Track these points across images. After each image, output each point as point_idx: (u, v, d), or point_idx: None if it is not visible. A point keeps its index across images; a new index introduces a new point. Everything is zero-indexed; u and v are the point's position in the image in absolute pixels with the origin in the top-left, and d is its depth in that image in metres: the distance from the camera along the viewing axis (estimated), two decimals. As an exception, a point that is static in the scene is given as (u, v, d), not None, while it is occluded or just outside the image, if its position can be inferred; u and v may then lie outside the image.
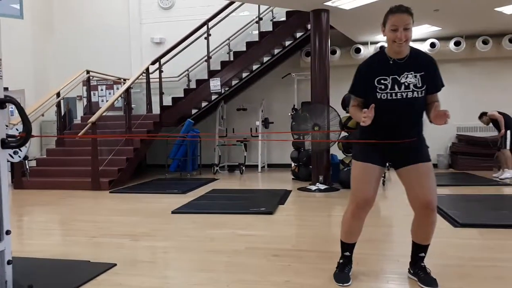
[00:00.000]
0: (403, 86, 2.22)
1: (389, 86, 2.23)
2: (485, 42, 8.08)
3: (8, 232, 2.21)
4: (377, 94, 2.24)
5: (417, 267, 2.45)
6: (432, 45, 8.19)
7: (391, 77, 2.23)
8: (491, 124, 7.14)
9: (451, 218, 3.93)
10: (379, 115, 2.18)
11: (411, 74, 2.22)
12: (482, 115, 7.22)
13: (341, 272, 2.49)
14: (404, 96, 2.22)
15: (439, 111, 2.15)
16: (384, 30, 2.26)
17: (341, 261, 2.53)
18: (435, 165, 8.44)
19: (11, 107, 2.67)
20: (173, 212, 4.58)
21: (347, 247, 2.51)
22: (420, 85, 2.23)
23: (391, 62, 2.25)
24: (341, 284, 2.40)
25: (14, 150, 2.30)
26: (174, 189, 6.21)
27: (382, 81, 2.23)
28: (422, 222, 2.35)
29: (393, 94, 2.23)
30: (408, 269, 2.53)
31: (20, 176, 6.83)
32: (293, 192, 5.87)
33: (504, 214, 4.21)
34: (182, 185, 6.60)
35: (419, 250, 2.44)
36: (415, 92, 2.22)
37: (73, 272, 2.73)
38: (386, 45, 2.31)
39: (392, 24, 2.19)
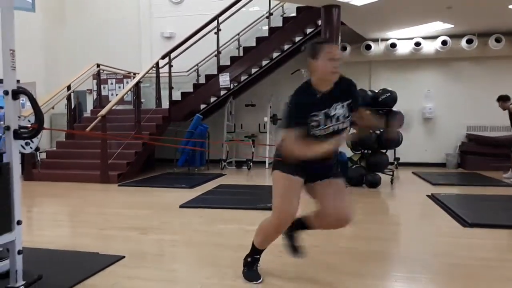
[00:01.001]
0: (334, 119, 2.20)
1: (322, 122, 2.18)
2: (497, 40, 7.96)
3: (19, 222, 2.24)
4: (310, 131, 2.18)
5: (293, 237, 2.56)
6: (444, 42, 8.10)
7: (322, 111, 2.17)
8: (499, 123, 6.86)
9: (460, 218, 3.90)
10: None
11: (339, 105, 2.20)
12: (503, 99, 6.62)
13: (250, 270, 2.53)
14: (336, 129, 2.22)
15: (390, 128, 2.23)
16: (312, 61, 2.17)
17: (249, 259, 2.55)
18: (443, 164, 8.41)
19: (22, 99, 2.68)
20: (181, 206, 4.60)
21: (260, 252, 2.54)
22: (347, 114, 2.23)
23: (318, 96, 2.18)
24: (255, 282, 2.45)
25: (26, 141, 2.33)
26: (182, 184, 6.24)
27: (314, 118, 2.17)
28: (330, 225, 2.48)
29: (325, 129, 2.20)
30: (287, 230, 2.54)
31: (31, 168, 6.90)
32: (300, 189, 5.86)
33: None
34: (190, 180, 6.62)
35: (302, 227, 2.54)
36: (344, 123, 2.23)
37: (82, 263, 2.76)
38: (313, 75, 2.23)
39: (330, 52, 2.14)
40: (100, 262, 2.73)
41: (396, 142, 5.96)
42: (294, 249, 2.56)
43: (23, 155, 6.52)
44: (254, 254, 2.53)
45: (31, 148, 2.33)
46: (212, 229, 3.71)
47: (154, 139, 7.43)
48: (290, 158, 2.16)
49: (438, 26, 7.56)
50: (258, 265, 2.56)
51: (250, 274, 2.51)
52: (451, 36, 8.08)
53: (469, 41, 8.06)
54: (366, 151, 6.24)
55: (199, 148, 8.09)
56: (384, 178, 6.19)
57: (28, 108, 4.94)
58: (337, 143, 2.22)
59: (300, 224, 2.54)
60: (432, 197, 4.94)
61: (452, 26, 7.51)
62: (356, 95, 2.30)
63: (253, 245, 2.53)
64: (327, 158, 2.26)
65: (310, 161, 2.20)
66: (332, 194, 2.35)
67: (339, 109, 2.20)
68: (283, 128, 2.20)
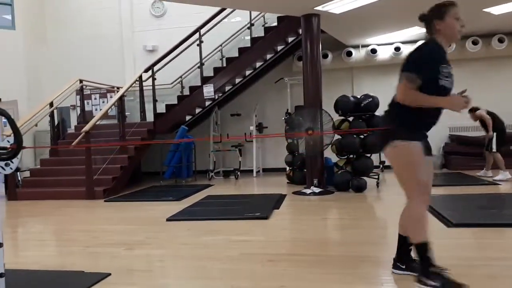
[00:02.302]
0: (452, 77, 2.31)
1: (449, 75, 2.27)
2: (474, 43, 8.16)
3: (0, 245, 2.20)
4: (440, 80, 2.24)
5: (410, 260, 2.50)
6: (423, 46, 8.25)
7: (449, 67, 2.28)
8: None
9: (445, 219, 3.95)
10: None
11: (450, 66, 2.32)
12: (473, 110, 6.93)
13: (438, 279, 2.18)
14: (452, 86, 2.31)
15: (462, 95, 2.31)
16: (439, 21, 2.29)
17: (424, 267, 2.24)
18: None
19: (4, 119, 2.67)
20: (168, 220, 4.57)
21: (427, 246, 2.24)
22: None
23: (446, 52, 2.31)
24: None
25: (5, 162, 2.30)
26: (169, 196, 6.20)
27: (444, 69, 2.25)
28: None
29: (450, 83, 2.29)
30: (397, 266, 2.54)
31: (14, 188, 6.79)
32: (288, 196, 5.89)
33: (497, 213, 4.25)
34: (177, 192, 6.59)
35: (410, 243, 2.43)
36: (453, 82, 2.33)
37: (67, 283, 2.72)
38: (438, 35, 2.33)
39: (456, 13, 2.28)
40: (85, 281, 2.69)
41: (379, 146, 6.03)
42: (447, 279, 2.20)
43: (6, 175, 6.43)
44: (426, 252, 2.22)
45: (11, 168, 2.30)
46: (200, 241, 3.70)
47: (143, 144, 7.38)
48: (415, 103, 2.20)
49: (417, 31, 7.71)
50: (444, 270, 2.22)
51: (444, 283, 2.16)
52: (430, 40, 8.24)
53: (447, 44, 8.23)
54: (351, 156, 6.30)
55: (185, 158, 8.08)
56: (370, 182, 6.25)
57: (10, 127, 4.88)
58: (455, 104, 2.20)
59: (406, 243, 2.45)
60: (418, 199, 5.01)
61: (430, 30, 7.66)
62: None
63: (420, 244, 2.24)
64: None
65: (427, 130, 2.32)
66: (432, 173, 2.46)
67: (451, 69, 2.30)
68: (406, 72, 2.22)
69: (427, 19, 2.36)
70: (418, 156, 2.29)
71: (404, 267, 2.53)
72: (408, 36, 8.04)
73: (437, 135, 8.18)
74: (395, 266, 2.57)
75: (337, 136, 6.36)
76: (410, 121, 2.30)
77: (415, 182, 2.30)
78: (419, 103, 2.22)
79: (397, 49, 8.37)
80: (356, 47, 8.63)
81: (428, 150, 2.41)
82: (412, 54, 2.30)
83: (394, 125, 2.36)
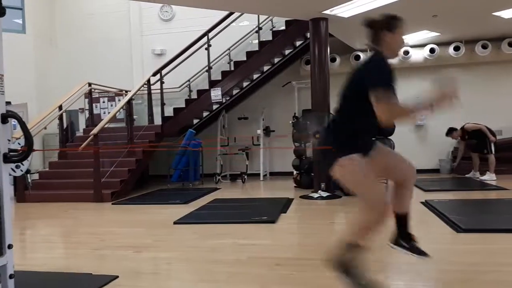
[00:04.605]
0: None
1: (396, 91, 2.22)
2: (484, 47, 8.10)
3: (10, 246, 2.21)
4: (395, 89, 2.19)
5: (413, 240, 2.46)
6: (432, 50, 8.22)
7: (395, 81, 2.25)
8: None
9: (454, 224, 3.91)
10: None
11: None
12: (452, 131, 7.56)
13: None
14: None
15: None
16: (388, 33, 2.24)
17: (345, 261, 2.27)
18: (437, 170, 8.45)
19: (13, 121, 2.69)
20: (175, 223, 4.58)
21: (355, 246, 2.27)
22: None
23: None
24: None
25: (16, 164, 2.32)
26: (176, 200, 6.21)
27: (394, 85, 2.19)
28: (407, 189, 2.46)
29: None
30: (400, 243, 2.48)
31: (23, 190, 6.85)
32: (295, 200, 5.87)
33: (507, 219, 4.19)
34: (184, 195, 6.60)
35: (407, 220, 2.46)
36: None
37: (75, 285, 2.74)
38: (384, 47, 2.27)
39: (403, 30, 2.28)
40: (93, 283, 2.70)
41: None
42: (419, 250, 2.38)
43: (15, 177, 6.49)
44: (348, 250, 2.23)
45: (21, 171, 2.32)
46: (207, 244, 3.70)
47: (151, 148, 7.42)
48: (402, 118, 2.17)
49: (425, 35, 7.68)
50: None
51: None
52: (439, 44, 8.21)
53: (456, 48, 8.19)
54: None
55: (192, 162, 8.10)
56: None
57: (20, 130, 4.94)
58: (446, 95, 2.11)
59: (400, 220, 2.42)
60: (426, 203, 4.97)
61: (439, 34, 7.63)
62: None
63: (346, 242, 2.25)
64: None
65: (369, 133, 2.28)
66: (394, 155, 2.44)
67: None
68: (378, 87, 2.05)
69: (375, 27, 2.28)
70: (361, 171, 2.22)
71: (408, 246, 2.45)
72: (416, 40, 8.00)
73: (446, 140, 8.11)
74: (396, 242, 2.49)
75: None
76: (346, 135, 2.26)
77: (366, 198, 2.25)
78: (407, 114, 2.15)
79: (406, 52, 8.33)
80: (364, 51, 8.60)
81: (372, 147, 2.33)
82: (369, 68, 2.20)
83: (334, 142, 2.31)
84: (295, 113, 8.44)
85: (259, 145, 8.67)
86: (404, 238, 2.46)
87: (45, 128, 7.55)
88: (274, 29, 8.14)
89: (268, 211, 4.95)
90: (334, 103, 7.14)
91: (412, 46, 8.35)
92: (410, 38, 7.87)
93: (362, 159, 2.23)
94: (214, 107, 8.43)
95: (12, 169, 2.32)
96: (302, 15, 6.39)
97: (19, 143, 2.41)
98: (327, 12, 5.95)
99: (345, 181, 2.30)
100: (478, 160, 7.41)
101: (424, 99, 2.10)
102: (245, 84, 8.51)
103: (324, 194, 6.02)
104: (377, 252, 3.30)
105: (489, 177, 7.08)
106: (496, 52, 8.13)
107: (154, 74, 8.31)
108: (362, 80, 2.16)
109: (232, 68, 8.14)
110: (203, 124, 8.86)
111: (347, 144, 2.24)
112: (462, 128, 7.49)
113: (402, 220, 2.43)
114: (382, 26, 2.26)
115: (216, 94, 7.87)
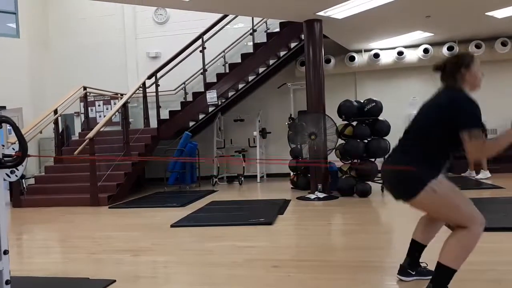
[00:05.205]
0: None
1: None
2: (478, 46, 8.15)
3: (5, 252, 2.20)
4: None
5: (419, 265, 2.53)
6: (426, 51, 8.26)
7: None
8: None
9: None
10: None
11: None
12: None
13: None
14: None
15: None
16: (466, 70, 2.28)
17: None
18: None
19: (8, 126, 2.68)
20: (172, 226, 4.57)
21: (452, 275, 2.16)
22: None
23: None
24: None
25: (11, 169, 2.31)
26: (173, 203, 6.20)
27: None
28: (440, 224, 2.47)
29: None
30: (407, 272, 2.52)
31: (19, 195, 6.82)
32: (292, 202, 5.87)
33: (501, 217, 4.21)
34: (181, 198, 6.59)
35: (422, 250, 2.51)
36: None
37: (72, 290, 2.72)
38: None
39: (479, 64, 2.30)
40: (91, 288, 2.70)
41: (384, 150, 6.01)
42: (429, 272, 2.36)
43: (11, 183, 6.45)
44: (446, 279, 2.13)
45: (16, 176, 2.31)
46: (204, 247, 3.69)
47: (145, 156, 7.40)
48: (493, 154, 2.13)
49: (419, 35, 7.72)
50: None
51: None
52: (433, 44, 8.26)
53: (450, 48, 8.24)
54: (355, 161, 6.29)
55: (189, 164, 8.09)
56: (375, 186, 6.23)
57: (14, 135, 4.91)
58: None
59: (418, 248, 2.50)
60: (422, 203, 4.99)
61: (433, 34, 7.68)
62: None
63: (450, 269, 2.12)
64: None
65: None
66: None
67: None
68: (473, 129, 2.07)
69: (451, 69, 2.32)
70: (448, 190, 2.20)
71: (414, 273, 2.52)
72: (410, 41, 8.05)
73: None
74: (404, 273, 2.54)
75: (340, 141, 6.35)
76: (431, 158, 2.21)
77: (462, 212, 2.19)
78: (494, 151, 2.13)
79: (400, 53, 8.37)
80: (358, 51, 8.64)
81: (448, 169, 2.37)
82: (464, 106, 2.16)
83: (414, 166, 2.19)
84: (291, 114, 8.46)
85: (255, 146, 8.67)
86: (412, 267, 2.52)
87: (40, 132, 7.52)
88: (268, 31, 8.17)
89: (265, 213, 4.95)
90: (329, 104, 7.13)
91: (406, 47, 8.39)
92: (403, 39, 7.92)
93: (445, 181, 2.23)
94: (210, 109, 8.43)
95: (7, 175, 2.31)
96: (296, 16, 6.41)
97: (13, 148, 2.40)
98: (321, 13, 5.97)
99: (436, 208, 2.24)
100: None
101: (507, 133, 2.13)
102: (240, 86, 8.53)
103: (321, 195, 6.03)
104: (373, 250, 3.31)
105: (484, 175, 7.19)
106: (490, 51, 8.19)
107: (149, 77, 8.31)
108: (451, 119, 2.15)
109: (227, 71, 8.15)
110: (199, 126, 8.86)
111: (432, 168, 2.20)
112: None
113: (421, 250, 2.50)
114: (459, 65, 2.30)
115: (211, 96, 7.88)
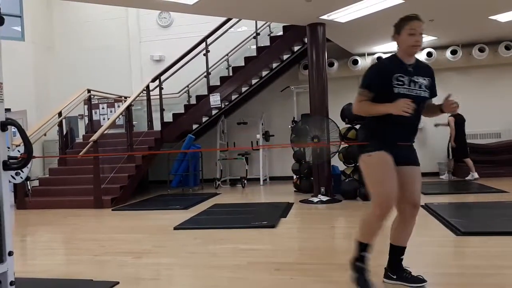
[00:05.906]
0: (417, 85, 2.36)
1: (406, 82, 2.33)
2: (481, 50, 8.14)
3: (10, 253, 2.21)
4: (395, 88, 2.31)
5: (401, 270, 2.50)
6: (429, 54, 8.26)
7: (407, 76, 2.35)
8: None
9: (453, 227, 3.92)
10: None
11: (421, 77, 2.39)
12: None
13: (362, 279, 2.41)
14: (418, 94, 2.35)
15: (448, 99, 2.35)
16: (397, 36, 2.37)
17: (357, 263, 2.43)
18: (436, 173, 8.47)
19: (14, 128, 2.70)
20: (175, 228, 4.58)
21: (365, 247, 2.42)
22: (429, 87, 2.41)
23: (403, 65, 2.37)
24: None
25: (16, 171, 2.33)
26: (176, 205, 6.22)
27: (399, 78, 2.33)
28: (408, 223, 2.46)
29: (410, 90, 2.33)
30: (388, 275, 2.53)
31: (23, 196, 6.85)
32: (295, 205, 5.87)
33: (506, 222, 4.20)
34: (184, 201, 6.60)
35: (401, 253, 2.51)
36: (426, 92, 2.39)
37: (76, 291, 2.73)
38: (393, 51, 2.47)
39: (411, 28, 2.31)
40: (94, 290, 2.71)
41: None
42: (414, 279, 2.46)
43: (15, 184, 6.49)
44: (360, 251, 2.42)
45: (21, 178, 2.34)
46: (207, 250, 3.70)
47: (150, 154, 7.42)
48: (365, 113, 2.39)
49: (422, 39, 7.71)
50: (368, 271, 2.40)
51: (363, 284, 2.38)
52: (436, 47, 8.25)
53: (453, 52, 8.23)
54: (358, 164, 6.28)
55: (192, 167, 8.11)
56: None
57: (20, 137, 4.94)
58: (398, 106, 2.19)
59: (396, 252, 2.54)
60: (426, 206, 4.98)
61: (436, 38, 7.68)
62: (435, 82, 2.47)
63: (357, 242, 2.44)
64: (411, 136, 2.43)
65: (396, 139, 2.36)
66: (414, 182, 2.43)
67: (421, 80, 2.37)
68: (360, 86, 2.40)
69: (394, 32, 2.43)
70: (379, 166, 2.34)
71: (395, 277, 2.51)
72: (414, 44, 8.04)
73: (444, 143, 8.14)
74: (386, 275, 2.56)
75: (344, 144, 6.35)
76: (372, 132, 2.42)
77: (375, 194, 2.35)
78: (368, 112, 2.39)
79: (403, 57, 8.36)
80: (362, 55, 8.65)
81: (403, 159, 2.39)
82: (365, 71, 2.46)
83: (364, 138, 2.47)
84: (294, 118, 8.47)
85: (259, 149, 8.68)
86: (393, 270, 2.53)
87: (44, 134, 7.56)
88: (272, 34, 8.18)
89: (268, 216, 4.95)
90: (332, 107, 7.18)
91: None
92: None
93: (384, 158, 2.34)
94: (213, 112, 8.45)
95: (12, 176, 2.33)
96: (299, 20, 6.43)
97: (18, 150, 2.43)
98: (324, 17, 5.99)
99: (363, 174, 2.45)
100: (470, 162, 7.68)
101: (386, 107, 2.29)
102: (244, 89, 8.55)
103: (324, 198, 6.02)
104: (378, 256, 3.31)
105: (471, 177, 7.59)
106: (493, 55, 8.18)
107: (153, 80, 8.34)
108: None
109: (231, 74, 8.18)
110: (202, 129, 8.88)
111: (374, 141, 2.40)
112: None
113: (399, 252, 2.51)
114: (394, 30, 2.40)
115: (215, 99, 7.90)
